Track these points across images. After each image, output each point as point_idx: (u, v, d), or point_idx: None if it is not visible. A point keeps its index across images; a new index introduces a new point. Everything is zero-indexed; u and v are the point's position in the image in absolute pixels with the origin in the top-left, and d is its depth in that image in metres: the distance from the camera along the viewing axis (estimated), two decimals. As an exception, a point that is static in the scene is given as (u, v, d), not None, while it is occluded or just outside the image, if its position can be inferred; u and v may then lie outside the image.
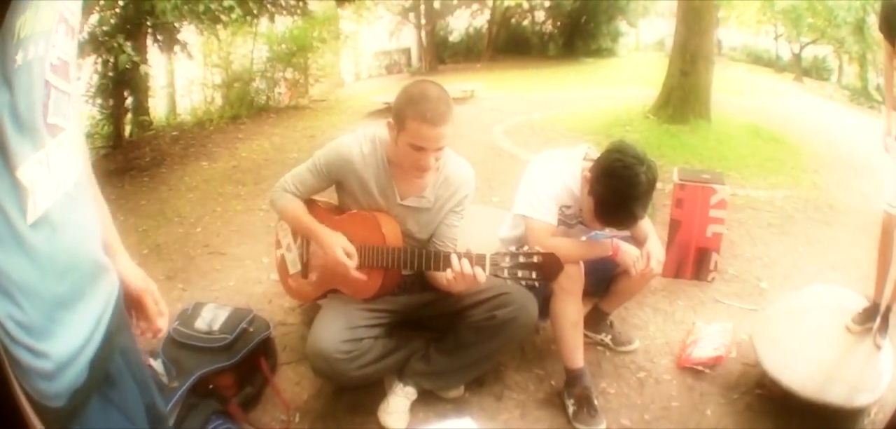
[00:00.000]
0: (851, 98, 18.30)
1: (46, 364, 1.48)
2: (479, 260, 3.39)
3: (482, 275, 3.38)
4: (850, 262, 6.14)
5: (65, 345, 1.52)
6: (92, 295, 1.62)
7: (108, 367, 1.66)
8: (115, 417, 1.65)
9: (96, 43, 10.07)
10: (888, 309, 4.30)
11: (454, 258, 3.42)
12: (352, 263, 3.67)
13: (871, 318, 4.28)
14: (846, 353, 4.10)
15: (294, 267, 4.23)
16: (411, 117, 3.40)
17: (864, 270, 5.12)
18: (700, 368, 4.45)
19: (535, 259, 3.27)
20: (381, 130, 3.73)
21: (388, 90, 15.21)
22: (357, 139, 3.77)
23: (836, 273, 6.00)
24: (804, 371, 3.90)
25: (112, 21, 10.12)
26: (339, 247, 3.68)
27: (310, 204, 3.98)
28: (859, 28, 17.56)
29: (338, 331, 3.61)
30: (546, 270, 3.27)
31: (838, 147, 11.61)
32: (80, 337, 1.56)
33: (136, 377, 1.84)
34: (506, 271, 3.32)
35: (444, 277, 3.49)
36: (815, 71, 21.85)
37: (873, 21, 16.47)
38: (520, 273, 3.28)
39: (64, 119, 1.58)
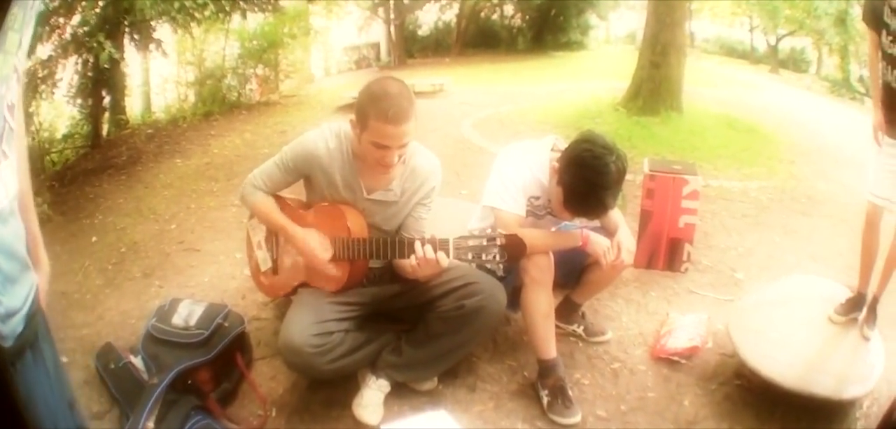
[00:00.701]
0: (831, 89, 18.41)
1: (1, 309, 1.96)
2: (441, 245, 3.43)
3: (445, 259, 3.43)
4: (831, 252, 6.20)
5: (11, 301, 2.00)
6: (23, 279, 2.09)
7: (36, 330, 2.17)
8: (41, 370, 2.16)
9: (78, 43, 10.11)
10: (875, 300, 4.33)
11: (417, 244, 3.45)
12: (326, 255, 3.72)
13: (856, 308, 4.30)
14: (830, 344, 4.12)
15: (265, 264, 4.25)
16: (373, 116, 3.42)
17: (846, 261, 5.15)
18: (675, 358, 4.47)
19: (498, 241, 3.31)
20: (346, 124, 3.74)
21: (358, 85, 15.18)
22: (322, 134, 3.78)
23: (815, 264, 6.05)
24: (784, 361, 3.91)
25: (92, 21, 10.14)
26: (314, 239, 3.74)
27: (278, 200, 3.99)
28: (841, 20, 17.65)
29: (308, 325, 3.61)
30: (509, 251, 3.32)
31: (817, 138, 11.73)
32: (19, 300, 2.04)
33: (48, 359, 2.28)
34: (469, 254, 3.35)
35: (409, 264, 3.52)
36: (793, 63, 21.96)
37: (856, 13, 16.58)
38: (484, 256, 3.33)
39: (10, 149, 2.00)
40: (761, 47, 23.26)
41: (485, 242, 3.33)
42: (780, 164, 9.57)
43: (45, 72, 9.94)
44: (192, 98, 14.77)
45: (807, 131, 12.27)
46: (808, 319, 4.33)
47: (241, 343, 4.36)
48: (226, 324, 4.28)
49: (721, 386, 4.26)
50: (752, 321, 4.30)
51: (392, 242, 3.62)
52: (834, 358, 3.98)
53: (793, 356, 3.94)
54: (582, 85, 15.85)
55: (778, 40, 21.93)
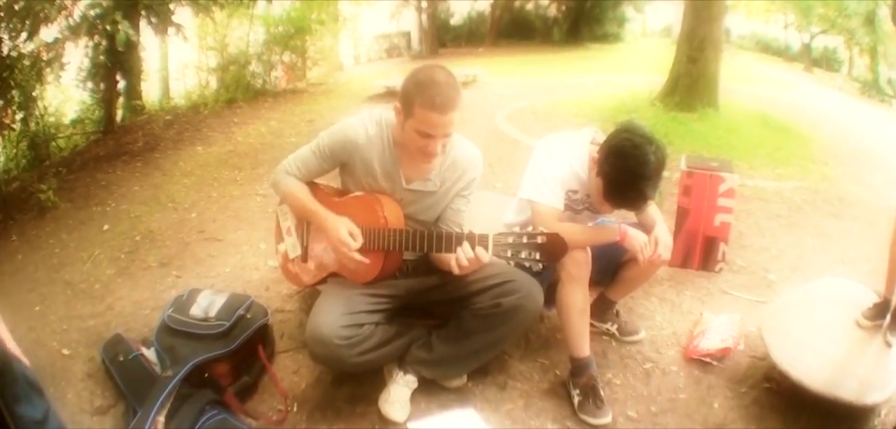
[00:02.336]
0: (862, 90, 18.31)
1: None
2: (481, 241, 3.42)
3: (485, 255, 3.41)
4: (860, 256, 6.16)
5: None
6: None
7: None
8: None
9: (89, 24, 10.08)
10: None
11: (456, 239, 3.45)
12: (355, 244, 3.67)
13: (883, 314, 4.27)
14: (856, 348, 4.08)
15: (294, 251, 4.19)
16: (419, 104, 3.42)
17: (874, 265, 5.13)
18: (707, 359, 4.45)
19: (539, 239, 3.31)
20: (387, 112, 3.74)
21: (389, 74, 15.18)
22: (362, 121, 3.78)
23: (845, 267, 6.00)
24: (814, 364, 3.88)
25: (105, 2, 10.11)
26: (343, 227, 3.68)
27: (311, 187, 3.97)
28: (870, 20, 17.58)
29: (338, 316, 3.59)
30: (550, 250, 3.31)
31: (849, 139, 11.63)
32: None
33: None
34: (509, 251, 3.35)
35: (447, 259, 3.52)
36: (825, 62, 21.90)
37: (885, 14, 16.50)
38: (523, 254, 3.33)
39: None
40: (795, 45, 23.21)
41: (525, 240, 3.33)
42: (813, 164, 9.50)
43: (51, 55, 9.92)
44: (213, 84, 14.84)
45: (839, 132, 12.20)
46: (837, 322, 4.29)
47: (263, 335, 4.35)
48: (248, 315, 4.27)
49: (750, 389, 4.23)
50: (783, 323, 4.27)
51: (429, 236, 3.60)
52: (859, 363, 3.95)
53: (821, 359, 3.91)
54: (618, 78, 15.83)
55: (811, 38, 21.87)
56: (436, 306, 4.07)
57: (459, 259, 3.43)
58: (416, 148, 3.57)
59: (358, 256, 3.66)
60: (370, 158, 3.76)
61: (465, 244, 3.42)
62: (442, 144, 3.53)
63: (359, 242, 3.68)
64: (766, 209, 7.34)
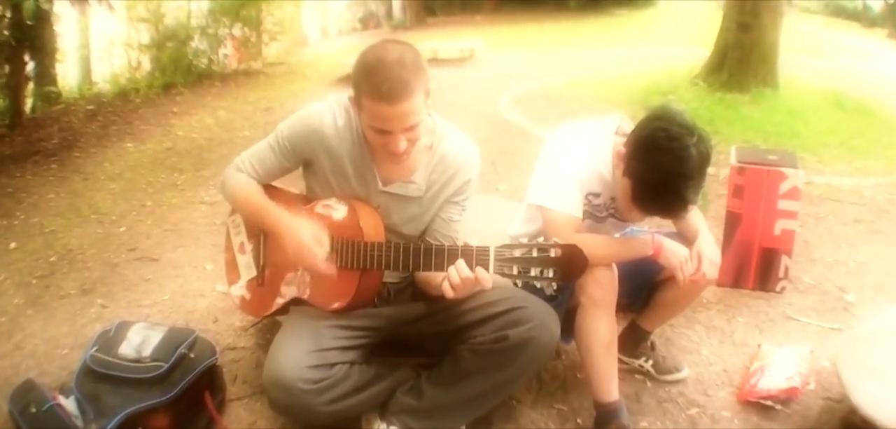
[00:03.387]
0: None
1: None
2: (480, 256, 3.32)
3: (486, 276, 3.32)
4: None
5: None
6: None
7: None
8: None
9: (-10, -8, 10.05)
10: None
11: (449, 254, 3.39)
12: (320, 252, 3.61)
13: None
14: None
15: (248, 272, 4.16)
16: (366, 93, 3.35)
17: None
18: (768, 403, 4.42)
19: (553, 253, 3.20)
20: None
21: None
22: (329, 107, 3.73)
23: (943, 285, 5.98)
24: (906, 408, 3.84)
25: (9, -35, 10.06)
26: (305, 230, 3.63)
27: (269, 191, 3.95)
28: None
29: (303, 354, 3.53)
30: (567, 267, 3.21)
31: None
32: None
33: None
34: (514, 268, 3.26)
35: (438, 280, 3.50)
36: (916, 25, 21.78)
37: None
38: (533, 272, 3.22)
39: None
40: (876, 5, 23.17)
41: (535, 254, 3.22)
42: (900, 155, 9.49)
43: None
44: (146, 65, 14.82)
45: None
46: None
47: (211, 380, 4.32)
48: (192, 354, 4.22)
49: (824, 439, 4.24)
50: (865, 357, 4.20)
51: (415, 250, 3.53)
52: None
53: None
54: (651, 52, 15.89)
55: (898, -5, 21.85)
56: (425, 341, 4.00)
57: (453, 279, 3.35)
58: (377, 147, 3.55)
59: (326, 267, 3.61)
60: (339, 154, 3.72)
61: (461, 261, 3.34)
62: (407, 138, 3.44)
63: (325, 249, 3.63)
64: (840, 212, 7.35)
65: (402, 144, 3.42)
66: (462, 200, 3.87)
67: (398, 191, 3.76)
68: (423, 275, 3.70)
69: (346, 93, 3.69)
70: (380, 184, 3.74)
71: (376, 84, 3.28)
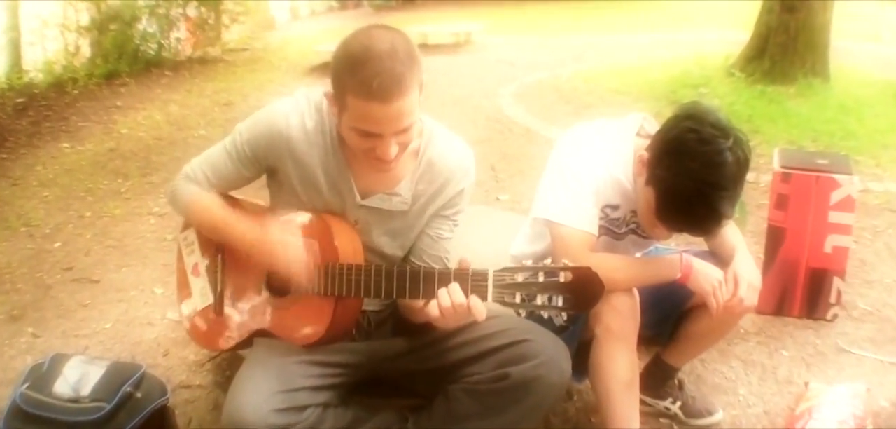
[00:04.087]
0: None
1: None
2: (475, 281, 3.25)
3: (480, 306, 3.24)
4: None
5: None
6: None
7: None
8: None
9: None
10: None
11: (440, 278, 3.31)
12: (294, 240, 3.56)
13: None
14: None
15: (203, 298, 4.06)
16: (352, 91, 3.22)
17: None
18: (817, 450, 4.43)
19: (563, 277, 3.11)
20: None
21: (341, 34, 15.22)
22: (298, 106, 3.65)
23: None
24: None
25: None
26: (273, 227, 3.59)
27: (229, 202, 3.87)
28: None
29: (268, 395, 3.41)
30: (579, 293, 3.11)
31: None
32: None
33: None
34: (517, 295, 3.16)
35: (420, 306, 3.41)
36: None
37: None
38: (540, 299, 3.13)
39: None
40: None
41: (541, 278, 3.13)
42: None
43: None
44: (86, 51, 14.81)
45: None
46: None
47: (161, 423, 4.32)
48: (138, 394, 4.23)
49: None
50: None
51: (400, 274, 3.45)
52: None
53: None
54: (679, 36, 15.89)
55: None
56: (413, 379, 3.92)
57: (443, 302, 3.26)
58: (360, 152, 3.44)
59: (301, 253, 3.53)
60: (309, 162, 3.63)
61: (455, 285, 3.26)
62: (397, 143, 3.34)
63: (297, 235, 3.58)
64: (903, 227, 7.34)
65: (393, 149, 3.31)
66: (453, 214, 3.80)
67: (380, 205, 3.68)
68: (407, 303, 3.61)
69: (319, 87, 3.65)
70: (358, 196, 3.65)
71: (365, 79, 3.13)
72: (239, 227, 3.69)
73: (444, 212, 3.76)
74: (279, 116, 3.61)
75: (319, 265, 3.54)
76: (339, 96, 3.30)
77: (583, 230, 3.85)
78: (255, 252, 3.66)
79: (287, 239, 3.54)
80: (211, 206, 3.79)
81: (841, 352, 5.37)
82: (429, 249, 3.77)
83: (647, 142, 3.79)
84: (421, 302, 3.38)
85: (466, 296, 3.21)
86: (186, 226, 4.11)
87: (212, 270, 4.03)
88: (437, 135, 3.69)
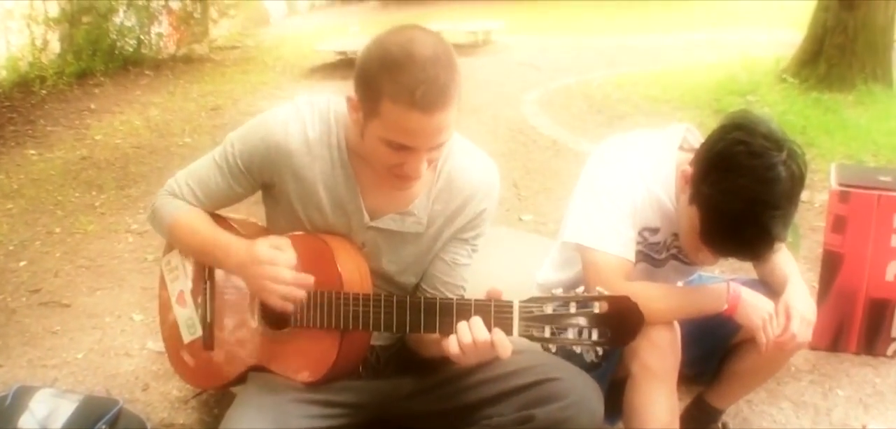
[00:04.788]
0: None
1: None
2: (499, 312, 3.18)
3: (505, 342, 3.16)
4: None
5: None
6: None
7: None
8: None
9: None
10: None
11: (459, 310, 3.24)
12: (285, 259, 3.47)
13: None
14: None
15: (191, 330, 4.00)
16: (391, 96, 3.13)
17: None
18: (876, 500, 4.44)
19: (597, 309, 3.04)
20: (337, 101, 3.60)
21: (343, 31, 15.26)
22: (298, 114, 3.59)
23: None
24: None
25: None
26: (260, 243, 3.51)
27: (217, 221, 3.83)
28: None
29: None
30: (616, 325, 3.04)
31: None
32: None
33: None
34: (546, 329, 3.10)
35: (439, 342, 3.32)
36: None
37: None
38: (570, 333, 3.07)
39: None
40: None
41: (573, 309, 3.07)
42: None
43: None
44: (55, 46, 14.83)
45: None
46: None
47: (140, 466, 4.32)
48: (114, 433, 4.23)
49: None
50: None
51: (414, 305, 3.38)
52: None
53: None
54: (724, 37, 15.88)
55: None
56: (425, 422, 3.83)
57: (463, 339, 3.17)
58: (383, 167, 3.36)
59: (292, 275, 3.44)
60: (311, 177, 3.58)
61: (477, 319, 3.18)
62: (429, 159, 3.32)
63: (288, 253, 3.50)
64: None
65: (423, 166, 3.29)
66: (473, 238, 3.76)
67: (391, 226, 3.63)
68: (421, 337, 3.57)
69: (324, 93, 3.62)
70: (366, 216, 3.61)
71: (407, 86, 3.06)
72: (227, 249, 3.63)
73: (463, 235, 3.71)
74: (277, 125, 3.55)
75: (320, 295, 3.47)
76: (371, 101, 3.20)
77: (618, 256, 3.82)
78: (243, 278, 3.62)
79: (274, 269, 3.43)
80: (196, 225, 3.75)
81: (905, 393, 5.36)
82: (443, 276, 3.72)
83: (691, 156, 3.76)
84: (445, 339, 3.25)
85: (490, 330, 3.13)
86: (169, 248, 4.07)
87: (201, 297, 3.95)
88: (457, 148, 3.61)
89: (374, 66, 3.17)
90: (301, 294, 3.42)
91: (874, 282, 5.52)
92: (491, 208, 3.73)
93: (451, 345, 3.18)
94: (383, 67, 3.12)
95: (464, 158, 3.65)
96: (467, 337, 3.13)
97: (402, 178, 3.32)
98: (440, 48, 3.15)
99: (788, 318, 3.82)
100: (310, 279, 3.43)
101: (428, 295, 3.65)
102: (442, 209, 3.63)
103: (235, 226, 3.88)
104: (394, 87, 3.06)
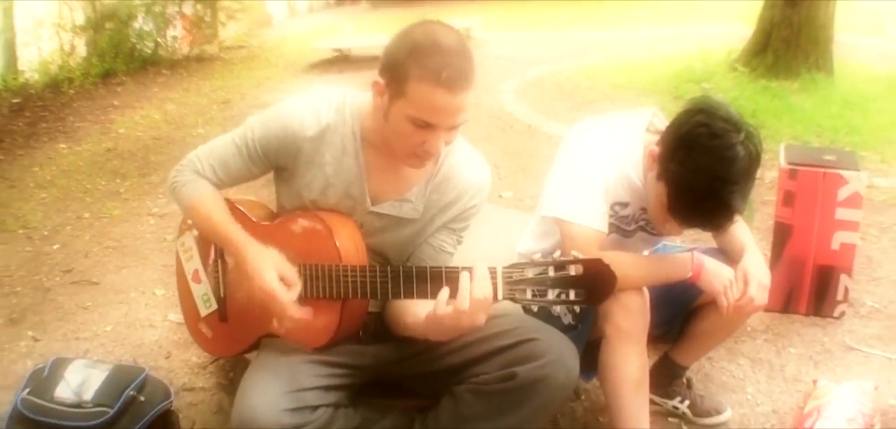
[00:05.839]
0: None
1: None
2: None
3: (487, 306, 3.18)
4: None
5: None
6: None
7: None
8: None
9: None
10: None
11: (449, 277, 3.23)
12: (290, 296, 3.44)
13: None
14: None
15: (207, 305, 4.01)
16: (418, 77, 3.19)
17: None
18: (826, 449, 4.42)
19: (573, 270, 3.06)
20: (352, 95, 3.62)
21: (339, 30, 15.21)
22: (314, 105, 3.60)
23: None
24: None
25: None
26: (269, 269, 3.46)
27: (227, 203, 3.80)
28: None
29: (279, 396, 3.38)
30: (591, 286, 3.07)
31: None
32: None
33: None
34: (528, 291, 3.12)
35: (412, 316, 3.42)
36: None
37: None
38: (551, 294, 3.08)
39: None
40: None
41: (551, 273, 3.09)
42: None
43: None
44: (82, 50, 14.79)
45: None
46: None
47: (164, 426, 4.29)
48: (141, 397, 4.19)
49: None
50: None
51: (407, 274, 3.38)
52: None
53: None
54: (681, 31, 15.86)
55: None
56: (419, 381, 3.89)
57: (462, 289, 3.14)
58: (405, 146, 3.37)
59: (297, 311, 3.45)
60: (321, 163, 3.58)
61: (483, 274, 3.15)
62: (447, 139, 3.35)
63: (296, 288, 3.48)
64: (911, 222, 7.33)
65: (442, 144, 3.34)
66: (460, 229, 3.78)
67: (390, 211, 3.65)
68: (398, 308, 3.58)
69: (340, 88, 3.65)
70: (368, 202, 3.63)
71: (435, 68, 3.16)
72: (228, 239, 3.64)
73: (453, 225, 3.74)
74: (294, 117, 3.57)
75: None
76: (398, 83, 3.27)
77: (593, 228, 3.83)
78: (248, 287, 3.60)
79: (281, 306, 3.43)
80: (208, 206, 3.72)
81: (848, 350, 5.37)
82: (429, 259, 3.70)
83: (657, 137, 3.78)
84: (417, 310, 3.38)
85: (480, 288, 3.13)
86: (182, 231, 4.07)
87: (215, 274, 3.97)
88: (457, 146, 3.64)
89: (402, 53, 3.24)
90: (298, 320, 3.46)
91: (821, 250, 5.52)
92: (479, 206, 3.77)
93: (440, 304, 3.17)
94: (411, 54, 3.20)
95: (462, 158, 3.70)
96: (466, 286, 3.12)
97: (421, 156, 3.37)
98: (460, 40, 3.28)
99: (746, 283, 3.86)
100: (309, 313, 3.47)
101: (420, 264, 3.61)
102: (437, 199, 3.66)
103: (240, 204, 3.87)
104: (421, 70, 3.15)
